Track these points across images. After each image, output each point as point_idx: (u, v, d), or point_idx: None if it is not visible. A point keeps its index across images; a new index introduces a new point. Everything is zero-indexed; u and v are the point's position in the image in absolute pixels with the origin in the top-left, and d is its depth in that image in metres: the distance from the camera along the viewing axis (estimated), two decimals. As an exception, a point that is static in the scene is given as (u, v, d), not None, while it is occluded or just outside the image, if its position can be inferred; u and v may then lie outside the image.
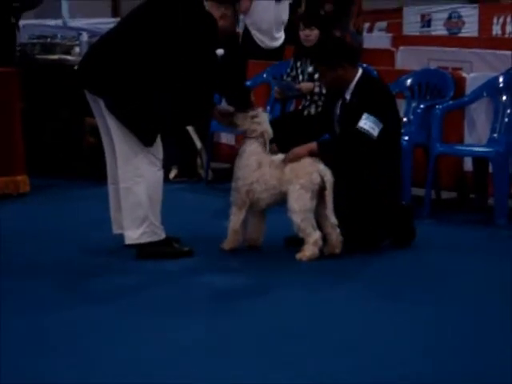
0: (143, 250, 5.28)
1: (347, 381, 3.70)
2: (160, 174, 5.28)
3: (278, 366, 3.82)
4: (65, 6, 8.67)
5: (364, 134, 5.31)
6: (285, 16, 8.35)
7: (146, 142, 5.19)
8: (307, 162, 5.32)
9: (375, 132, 5.33)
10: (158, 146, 5.24)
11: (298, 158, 5.34)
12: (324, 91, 6.80)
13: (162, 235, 5.31)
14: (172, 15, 5.16)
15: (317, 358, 3.91)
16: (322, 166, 5.30)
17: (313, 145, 5.41)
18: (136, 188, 5.20)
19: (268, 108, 7.21)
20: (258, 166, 5.38)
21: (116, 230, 5.40)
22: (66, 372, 3.76)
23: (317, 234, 5.27)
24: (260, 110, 5.49)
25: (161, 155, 5.27)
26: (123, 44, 5.18)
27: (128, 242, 5.28)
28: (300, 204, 5.26)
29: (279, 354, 3.95)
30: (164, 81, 5.15)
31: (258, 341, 4.10)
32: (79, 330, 4.23)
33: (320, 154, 5.34)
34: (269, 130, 5.45)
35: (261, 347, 4.03)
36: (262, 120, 5.44)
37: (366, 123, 5.33)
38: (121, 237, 5.34)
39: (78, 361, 3.88)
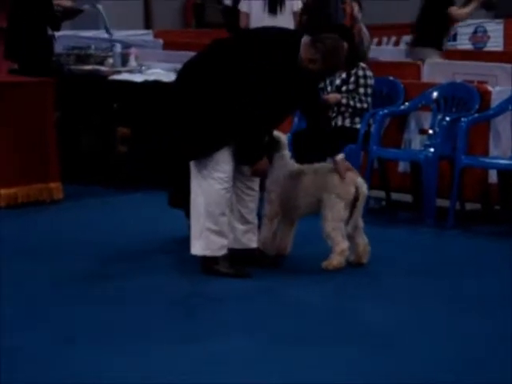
0: (202, 263, 5.27)
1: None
2: (217, 187, 5.12)
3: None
4: (105, 16, 8.73)
5: None
6: (289, 26, 8.28)
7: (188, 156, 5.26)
8: (346, 174, 5.36)
9: None
10: (220, 161, 5.13)
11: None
12: (352, 103, 6.92)
13: (219, 252, 5.21)
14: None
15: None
16: (359, 179, 5.39)
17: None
18: (195, 201, 5.22)
19: (296, 119, 7.31)
20: (289, 177, 5.45)
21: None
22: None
23: (345, 244, 5.32)
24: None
25: (223, 169, 5.13)
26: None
27: (191, 251, 5.28)
28: (333, 213, 5.31)
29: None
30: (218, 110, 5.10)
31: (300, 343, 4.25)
32: (111, 332, 4.38)
33: None
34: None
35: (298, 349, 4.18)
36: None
37: None
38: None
39: (111, 362, 4.04)
